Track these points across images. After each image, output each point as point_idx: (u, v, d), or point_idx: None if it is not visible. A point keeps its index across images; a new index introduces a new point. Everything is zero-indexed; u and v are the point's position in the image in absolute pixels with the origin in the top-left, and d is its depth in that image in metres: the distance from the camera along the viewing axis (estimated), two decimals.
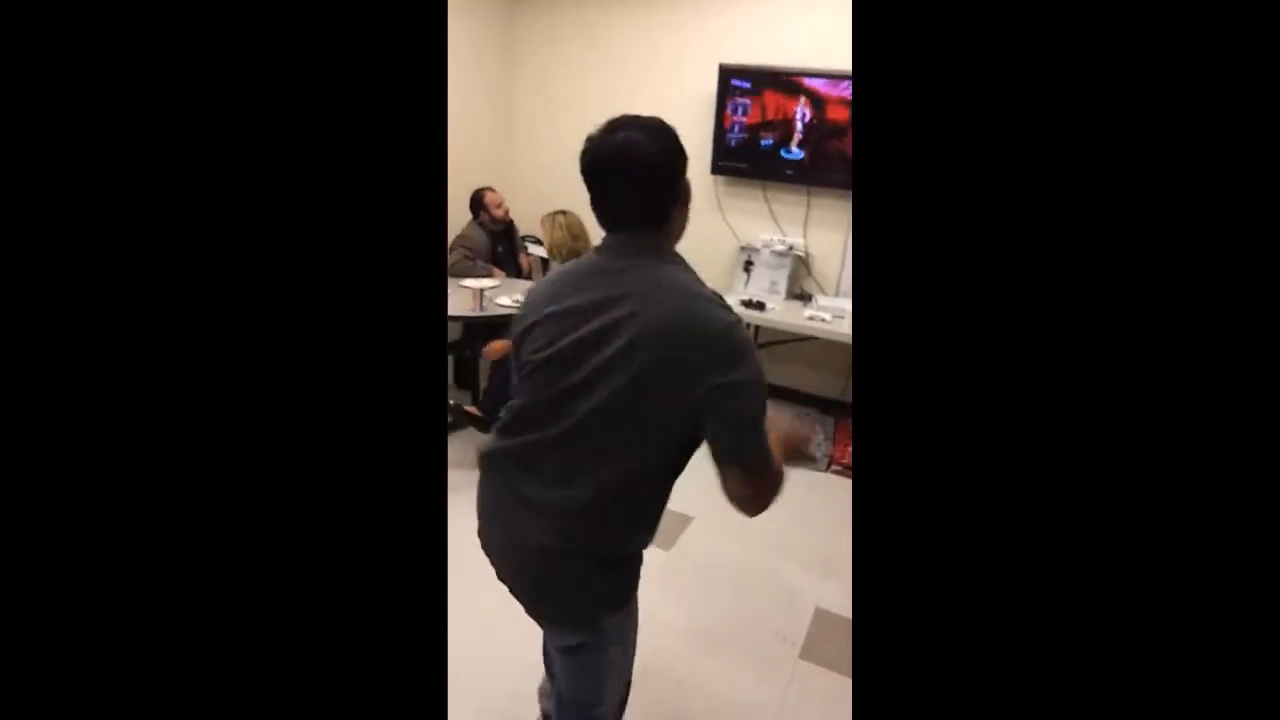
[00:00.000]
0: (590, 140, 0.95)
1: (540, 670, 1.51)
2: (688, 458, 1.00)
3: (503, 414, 1.06)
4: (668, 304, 0.92)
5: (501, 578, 1.09)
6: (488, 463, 1.09)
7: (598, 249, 1.01)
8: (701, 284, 0.96)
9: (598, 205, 0.97)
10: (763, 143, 3.27)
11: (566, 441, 0.97)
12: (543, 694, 1.55)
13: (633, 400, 0.92)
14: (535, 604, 1.08)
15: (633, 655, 1.20)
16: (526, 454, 1.02)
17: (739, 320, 0.93)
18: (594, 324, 0.94)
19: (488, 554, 1.11)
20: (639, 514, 1.02)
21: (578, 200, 1.11)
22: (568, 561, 1.00)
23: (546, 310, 1.00)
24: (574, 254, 2.43)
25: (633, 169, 0.93)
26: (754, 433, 0.92)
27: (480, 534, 1.11)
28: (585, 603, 1.03)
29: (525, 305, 1.05)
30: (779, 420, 1.05)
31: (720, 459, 0.93)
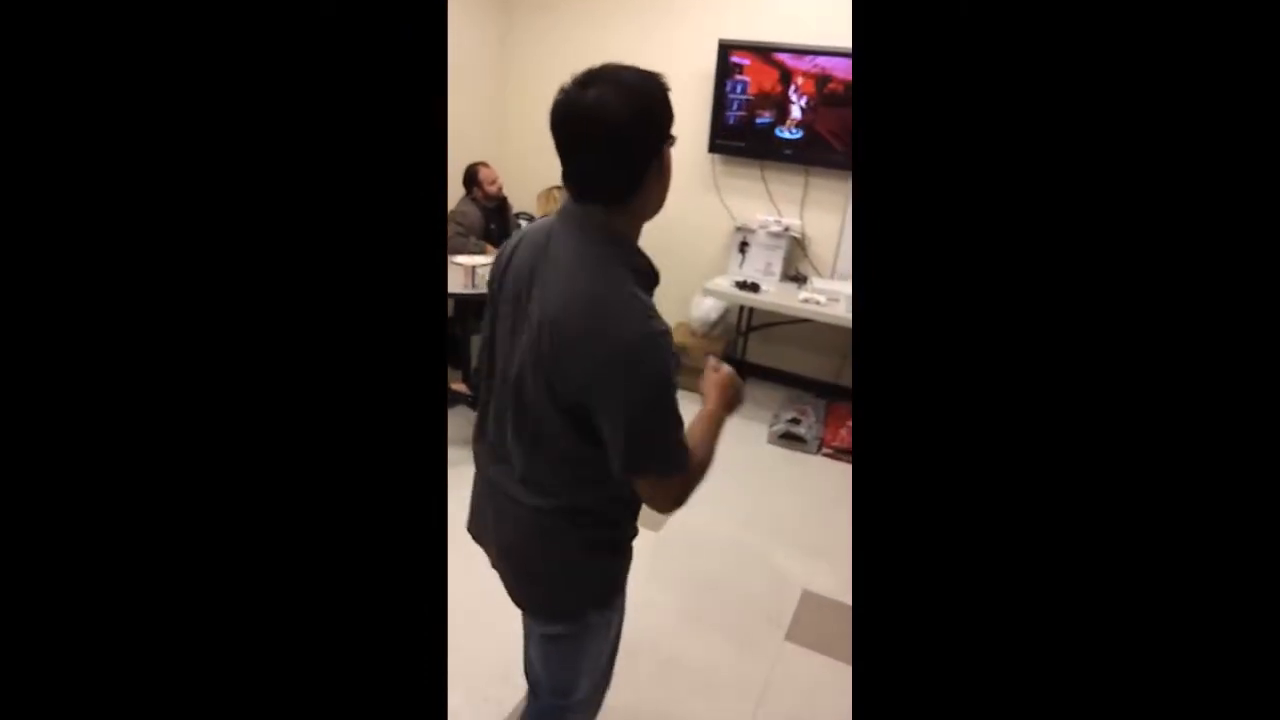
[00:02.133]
0: (562, 92, 0.81)
1: None
2: None
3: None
4: (575, 303, 0.82)
5: (492, 564, 1.09)
6: (475, 454, 1.08)
7: (560, 213, 0.90)
8: (629, 281, 0.84)
9: (564, 168, 0.84)
10: (761, 121, 3.23)
11: (519, 440, 0.93)
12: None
13: (553, 401, 0.86)
14: (519, 594, 1.07)
15: (613, 655, 1.18)
16: (496, 449, 0.99)
17: (654, 331, 0.81)
18: (520, 314, 0.88)
19: (478, 541, 1.10)
20: (609, 509, 0.97)
21: None
22: (549, 554, 0.98)
23: (496, 289, 0.96)
24: None
25: (601, 136, 0.79)
26: (654, 444, 0.84)
27: (470, 522, 1.11)
28: (569, 595, 1.02)
29: (490, 276, 1.00)
30: (708, 381, 1.01)
31: (619, 470, 0.86)
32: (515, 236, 0.99)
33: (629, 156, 0.82)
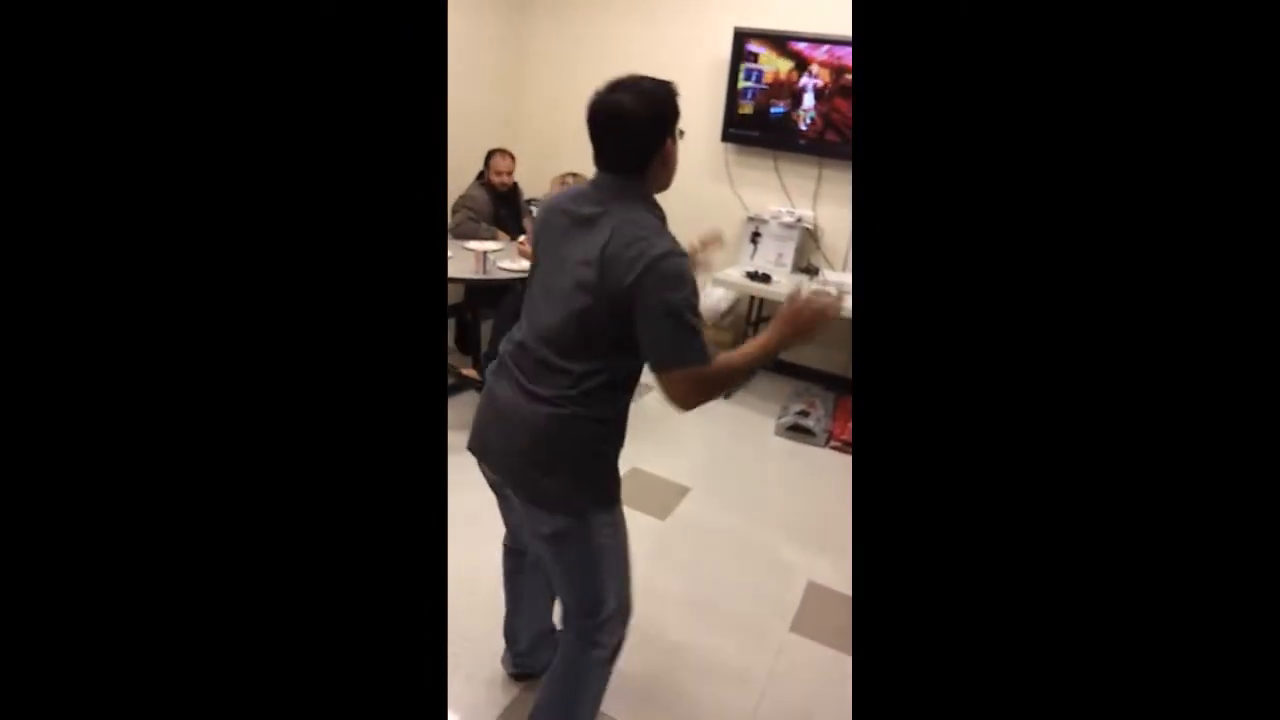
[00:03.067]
0: (595, 94, 1.11)
1: None
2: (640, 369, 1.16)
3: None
4: (622, 232, 1.07)
5: (488, 472, 1.24)
6: (490, 372, 1.24)
7: (591, 181, 1.16)
8: (657, 224, 1.11)
9: (595, 151, 1.13)
10: (775, 110, 3.21)
11: (546, 341, 1.13)
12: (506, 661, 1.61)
13: (593, 312, 1.08)
14: (526, 489, 1.17)
15: (628, 575, 1.26)
16: (515, 355, 1.18)
17: (680, 253, 1.07)
18: (570, 242, 1.12)
19: (479, 455, 1.24)
20: (608, 413, 1.16)
21: (587, 161, 1.14)
22: (560, 448, 1.13)
23: (541, 226, 1.20)
24: None
25: (620, 127, 1.09)
26: (683, 341, 1.06)
27: (471, 441, 1.24)
28: (572, 487, 1.15)
29: (536, 218, 1.25)
30: (780, 312, 1.19)
31: (654, 367, 1.08)
32: (552, 199, 1.23)
33: (642, 143, 1.11)
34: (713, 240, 1.56)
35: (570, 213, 1.15)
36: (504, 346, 1.23)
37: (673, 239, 1.10)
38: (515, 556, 1.47)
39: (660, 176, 1.15)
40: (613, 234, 1.08)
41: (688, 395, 1.08)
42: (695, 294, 1.08)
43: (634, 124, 1.09)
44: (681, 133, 1.14)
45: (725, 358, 1.12)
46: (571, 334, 1.11)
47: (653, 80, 1.11)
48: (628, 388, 1.18)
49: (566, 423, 1.12)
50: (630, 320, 1.07)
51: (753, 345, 1.17)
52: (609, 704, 1.52)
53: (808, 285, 3.05)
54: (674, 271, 1.05)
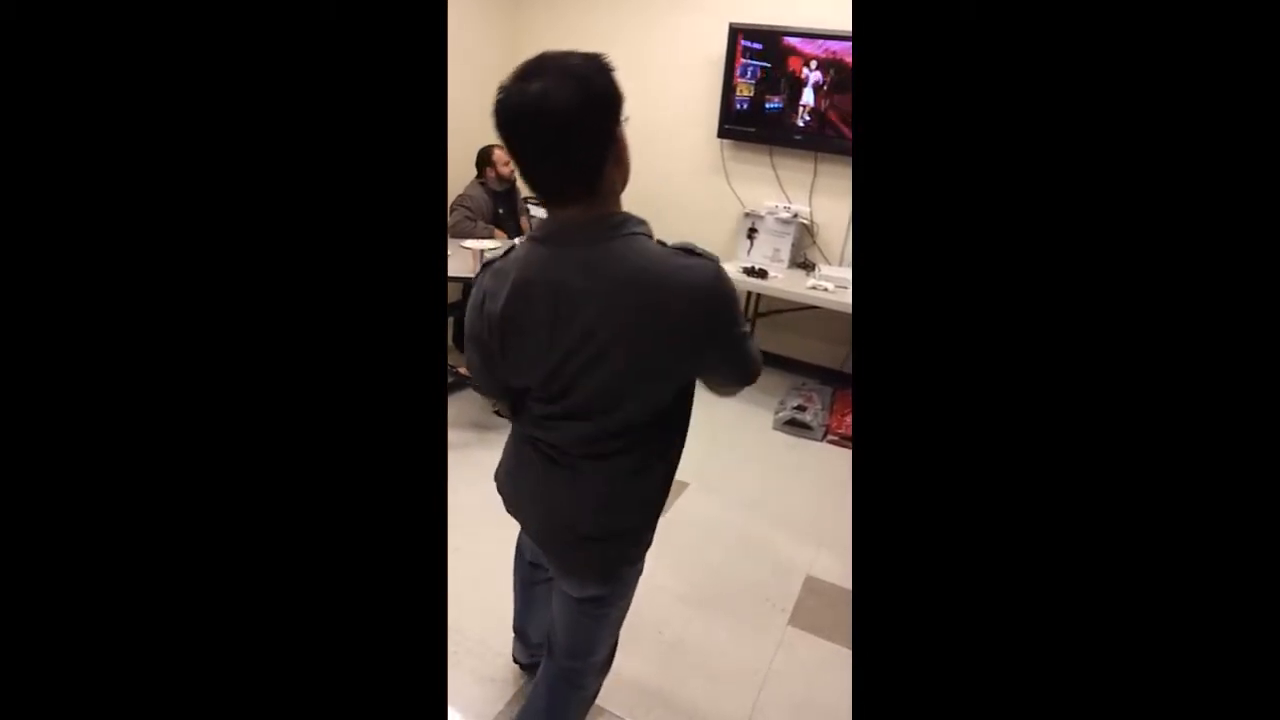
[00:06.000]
0: (501, 90, 0.78)
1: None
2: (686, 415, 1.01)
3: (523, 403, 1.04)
4: (646, 277, 0.81)
5: (533, 539, 1.14)
6: (518, 442, 1.09)
7: (538, 237, 0.88)
8: (671, 251, 0.85)
9: (521, 170, 0.82)
10: (771, 106, 3.21)
11: (574, 440, 0.97)
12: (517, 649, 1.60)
13: (622, 388, 0.88)
14: (570, 562, 1.09)
15: (623, 618, 1.24)
16: (550, 446, 1.01)
17: (715, 261, 0.85)
18: (565, 331, 0.85)
19: (517, 518, 1.14)
20: (655, 489, 1.04)
21: None
22: (613, 515, 1.03)
23: (509, 327, 0.90)
24: None
25: (553, 130, 0.76)
26: (746, 356, 0.94)
27: (507, 500, 1.13)
28: (615, 553, 1.07)
29: (473, 310, 0.96)
30: None
31: (741, 383, 0.99)
32: (493, 274, 0.94)
33: (583, 148, 0.79)
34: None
35: (538, 264, 0.87)
36: (524, 428, 1.05)
37: (691, 249, 0.86)
38: (532, 569, 1.36)
39: (616, 181, 0.86)
40: (642, 264, 0.82)
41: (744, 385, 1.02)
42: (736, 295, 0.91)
43: (572, 121, 0.76)
44: (626, 118, 0.83)
45: None
46: (605, 389, 0.88)
47: (582, 57, 0.79)
48: (682, 422, 1.01)
49: (630, 480, 0.98)
50: (692, 361, 0.88)
51: None
52: (607, 700, 1.53)
53: (807, 281, 3.06)
54: (729, 287, 0.86)
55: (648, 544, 1.10)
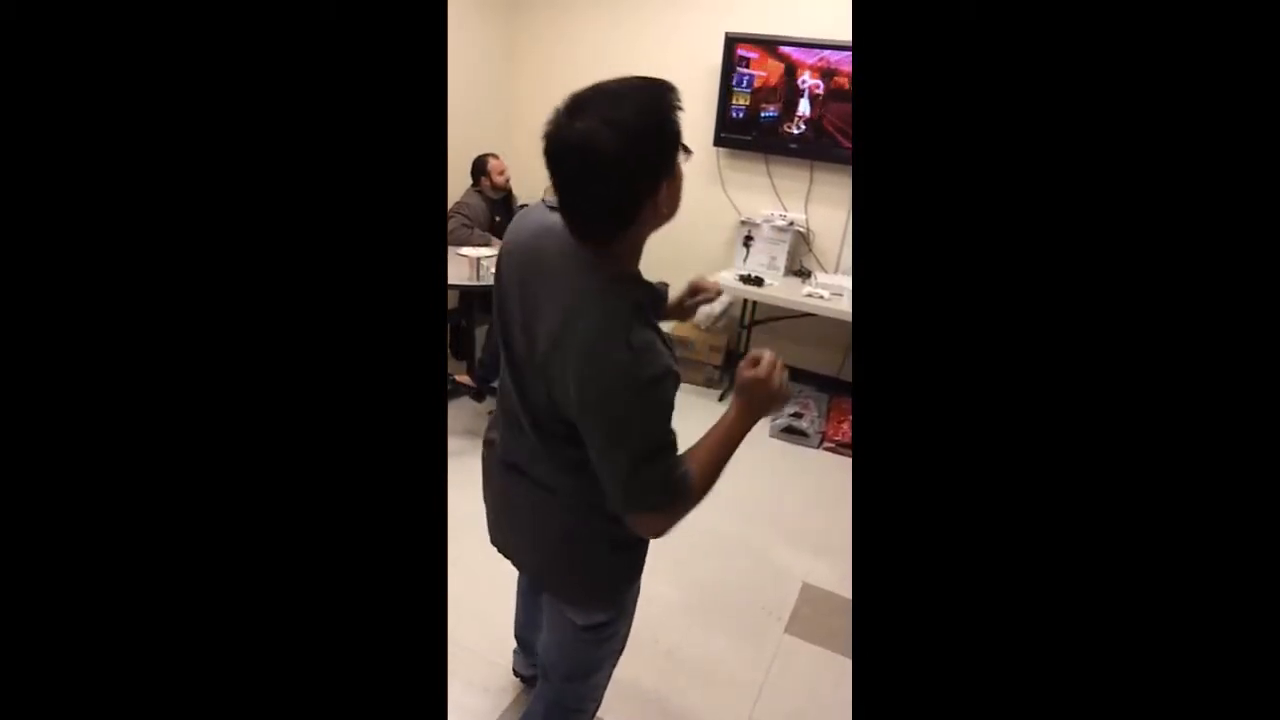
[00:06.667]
0: (550, 125, 0.76)
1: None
2: None
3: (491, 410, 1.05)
4: (570, 337, 0.79)
5: (519, 566, 1.12)
6: (485, 463, 1.09)
7: (551, 205, 0.87)
8: (625, 318, 0.78)
9: (558, 198, 0.81)
10: (767, 115, 3.22)
11: (535, 455, 0.94)
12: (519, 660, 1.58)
13: (555, 414, 0.86)
14: (559, 592, 1.07)
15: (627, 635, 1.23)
16: (508, 452, 1.00)
17: (651, 377, 0.77)
18: (529, 336, 0.86)
19: (504, 552, 1.12)
20: (602, 555, 1.00)
21: None
22: (579, 551, 0.99)
23: (505, 298, 0.92)
24: None
25: (591, 173, 0.74)
26: (652, 479, 0.81)
27: (491, 534, 1.12)
28: (605, 583, 1.04)
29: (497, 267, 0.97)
30: (738, 380, 0.91)
31: (617, 507, 0.85)
32: (516, 221, 0.96)
33: (623, 191, 0.76)
34: (705, 293, 1.18)
35: (541, 254, 0.87)
36: (491, 434, 1.04)
37: (645, 344, 0.78)
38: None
39: (650, 221, 0.82)
40: (563, 326, 0.80)
41: (665, 528, 0.86)
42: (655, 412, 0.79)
43: (614, 168, 0.73)
44: (688, 154, 0.79)
45: (695, 461, 0.87)
46: (549, 407, 0.86)
47: (640, 91, 0.74)
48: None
49: (590, 514, 0.93)
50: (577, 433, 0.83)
51: (714, 436, 0.91)
52: (605, 710, 1.53)
53: (803, 289, 3.06)
54: (639, 381, 0.77)
55: (638, 568, 1.06)
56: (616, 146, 0.72)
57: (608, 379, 0.77)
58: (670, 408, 0.81)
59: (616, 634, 1.13)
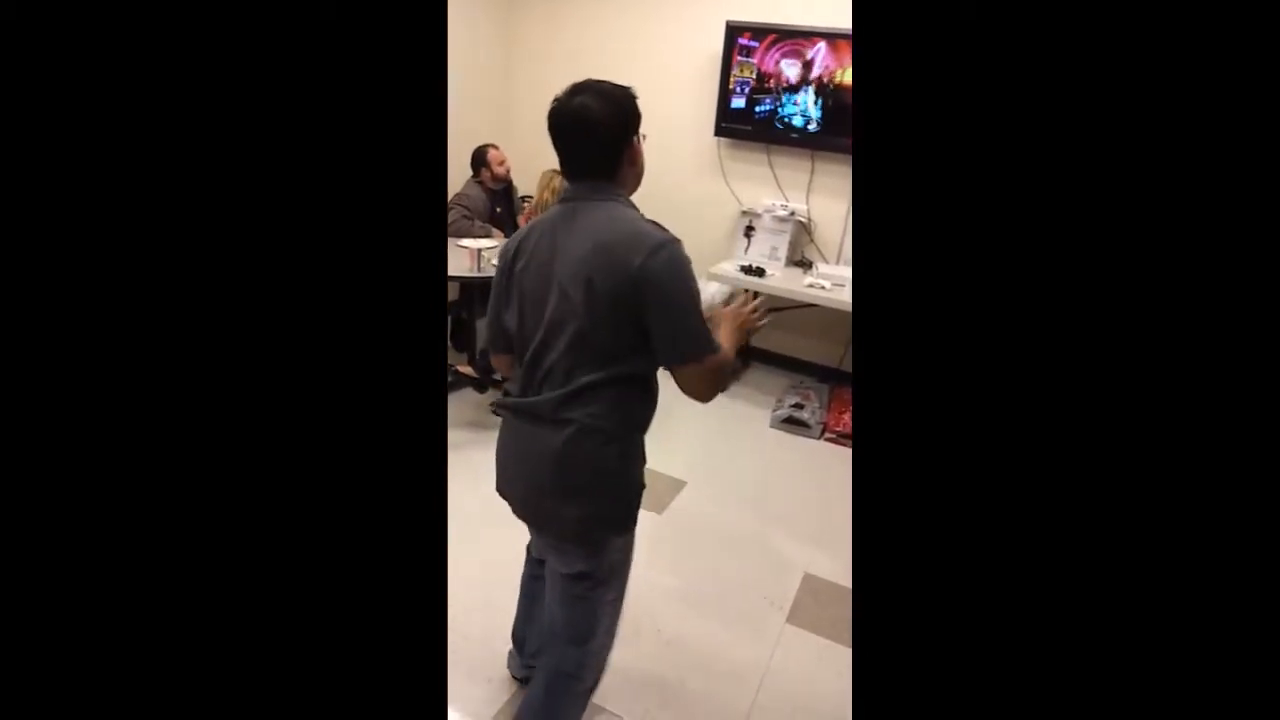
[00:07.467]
0: (555, 102, 1.11)
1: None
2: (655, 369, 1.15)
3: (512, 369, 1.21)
4: (617, 221, 1.08)
5: (517, 512, 1.22)
6: (504, 412, 1.21)
7: (564, 196, 1.15)
8: (642, 218, 1.10)
9: (561, 159, 1.13)
10: (767, 104, 3.21)
11: (553, 379, 1.11)
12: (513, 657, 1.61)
13: (596, 327, 1.06)
14: (551, 524, 1.17)
15: (620, 606, 1.28)
16: (529, 394, 1.14)
17: (674, 240, 1.07)
18: (556, 263, 1.09)
19: (505, 494, 1.22)
20: (624, 426, 1.14)
21: None
22: (585, 465, 1.12)
23: (519, 261, 1.15)
24: None
25: (588, 130, 1.08)
26: (703, 331, 1.07)
27: (498, 481, 1.23)
28: (587, 526, 1.14)
29: (501, 257, 1.19)
30: (717, 316, 1.21)
31: (668, 362, 1.08)
32: (525, 228, 1.19)
33: (609, 145, 1.11)
34: (756, 315, 1.29)
35: (549, 224, 1.13)
36: (509, 392, 1.20)
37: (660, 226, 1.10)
38: (536, 564, 1.46)
39: (629, 178, 1.16)
40: (610, 221, 1.07)
41: (711, 387, 1.11)
42: (695, 284, 1.09)
43: (601, 125, 1.08)
44: (643, 136, 1.15)
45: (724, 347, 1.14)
46: (572, 344, 1.08)
47: (615, 86, 1.11)
48: (642, 398, 1.15)
49: (582, 441, 1.10)
50: (633, 318, 1.05)
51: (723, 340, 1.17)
52: (606, 699, 1.54)
53: (804, 279, 3.06)
54: (681, 259, 1.06)
55: (624, 518, 1.18)
56: (601, 112, 1.08)
57: (666, 253, 1.05)
58: (689, 266, 1.09)
59: (605, 591, 1.22)
